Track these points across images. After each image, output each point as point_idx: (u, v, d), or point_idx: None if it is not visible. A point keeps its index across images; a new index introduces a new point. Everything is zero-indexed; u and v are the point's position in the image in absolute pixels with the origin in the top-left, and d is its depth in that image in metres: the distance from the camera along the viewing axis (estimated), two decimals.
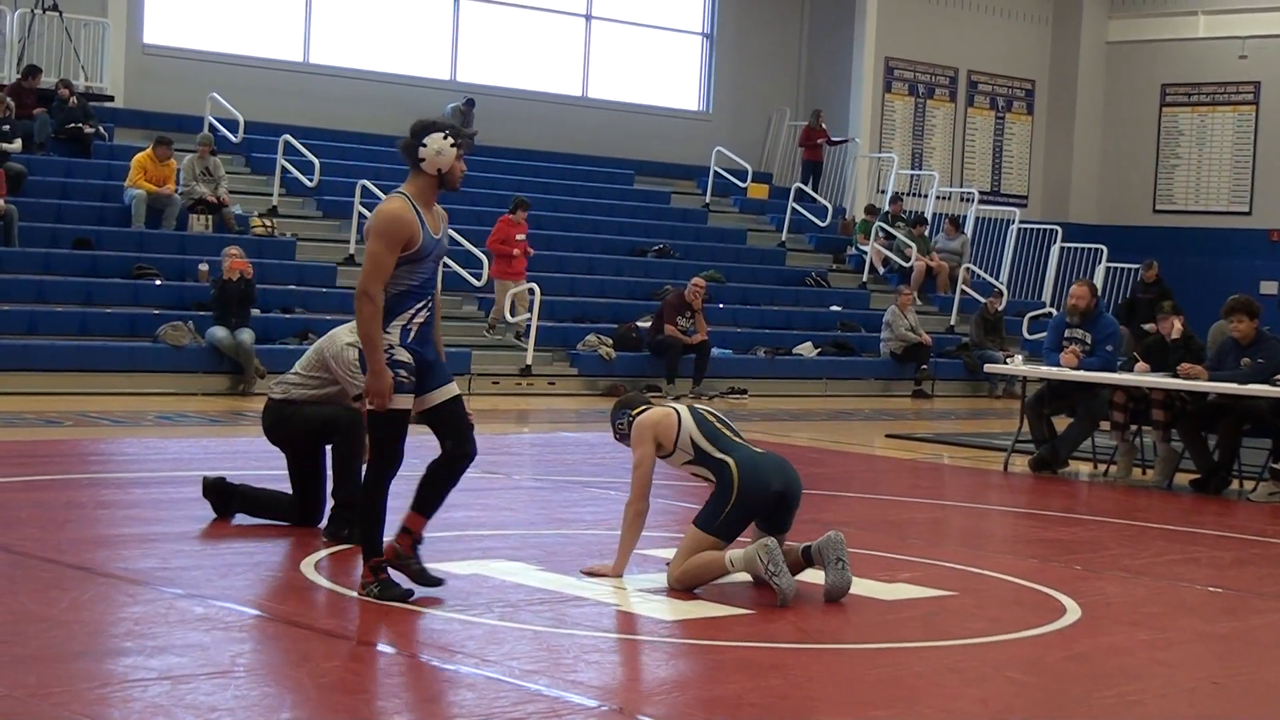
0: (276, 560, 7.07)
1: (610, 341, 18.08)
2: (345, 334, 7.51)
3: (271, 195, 18.87)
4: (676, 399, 17.07)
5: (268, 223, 18.05)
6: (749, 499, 6.46)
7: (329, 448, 7.56)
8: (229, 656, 5.21)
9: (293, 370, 7.72)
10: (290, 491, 7.74)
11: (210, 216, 17.60)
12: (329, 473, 7.60)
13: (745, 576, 6.59)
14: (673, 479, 6.66)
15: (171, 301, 16.00)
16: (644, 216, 22.08)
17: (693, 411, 6.76)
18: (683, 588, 6.50)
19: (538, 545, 7.64)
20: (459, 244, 17.88)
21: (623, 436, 6.85)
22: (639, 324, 18.58)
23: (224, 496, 7.82)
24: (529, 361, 17.44)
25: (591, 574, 6.81)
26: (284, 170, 18.89)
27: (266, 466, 7.83)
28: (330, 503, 7.52)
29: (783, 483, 6.48)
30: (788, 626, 6.05)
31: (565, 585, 6.60)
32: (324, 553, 7.06)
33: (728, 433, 6.68)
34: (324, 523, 7.53)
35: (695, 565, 6.50)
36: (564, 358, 18.02)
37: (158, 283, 16.13)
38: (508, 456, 11.73)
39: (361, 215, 18.25)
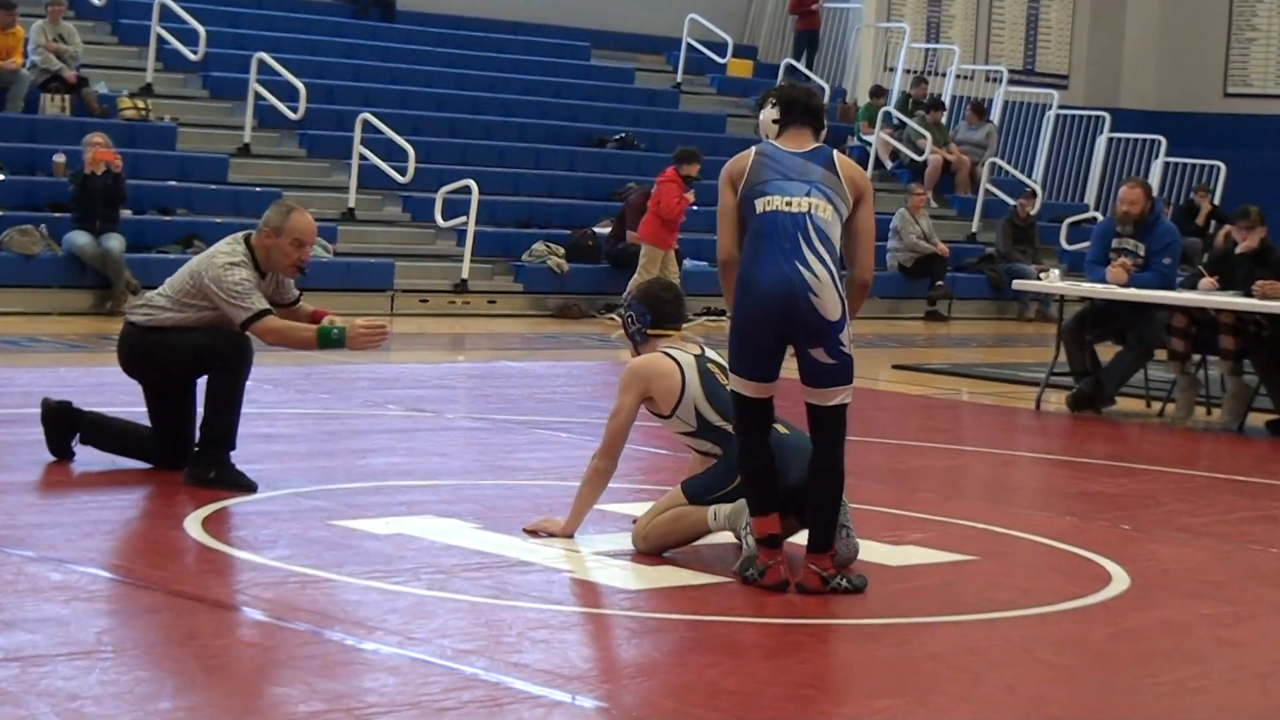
0: (151, 515, 7.04)
1: (562, 251, 18.04)
2: (225, 251, 7.45)
3: (145, 70, 18.68)
4: None
5: (140, 104, 17.88)
6: None
7: (202, 378, 7.55)
8: (94, 633, 5.19)
9: (158, 292, 7.66)
10: (151, 424, 7.73)
11: (67, 96, 17.41)
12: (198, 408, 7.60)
13: (730, 536, 6.60)
14: (657, 422, 6.67)
15: (19, 200, 15.86)
16: (602, 99, 21.99)
17: (700, 368, 6.62)
18: (651, 549, 6.51)
19: (474, 499, 7.64)
20: (380, 132, 17.78)
21: (632, 338, 6.80)
22: (596, 229, 18.53)
23: (67, 425, 7.80)
24: (464, 275, 17.40)
25: (535, 532, 6.81)
26: (160, 40, 18.70)
27: (139, 402, 7.79)
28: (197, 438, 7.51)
29: (801, 476, 6.25)
30: (776, 599, 6.06)
31: (507, 547, 6.60)
32: (213, 506, 7.03)
33: None
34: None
35: (669, 521, 6.50)
36: (506, 270, 17.99)
37: (1, 177, 15.98)
38: (438, 390, 11.71)
39: (258, 96, 18.12)
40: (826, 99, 23.36)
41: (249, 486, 7.42)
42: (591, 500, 6.75)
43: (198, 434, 7.57)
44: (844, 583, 6.15)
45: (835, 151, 6.34)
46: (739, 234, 6.27)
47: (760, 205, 6.17)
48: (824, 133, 6.47)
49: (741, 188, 6.25)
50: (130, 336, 7.67)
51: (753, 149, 6.34)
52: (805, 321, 6.06)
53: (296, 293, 7.82)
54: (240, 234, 7.62)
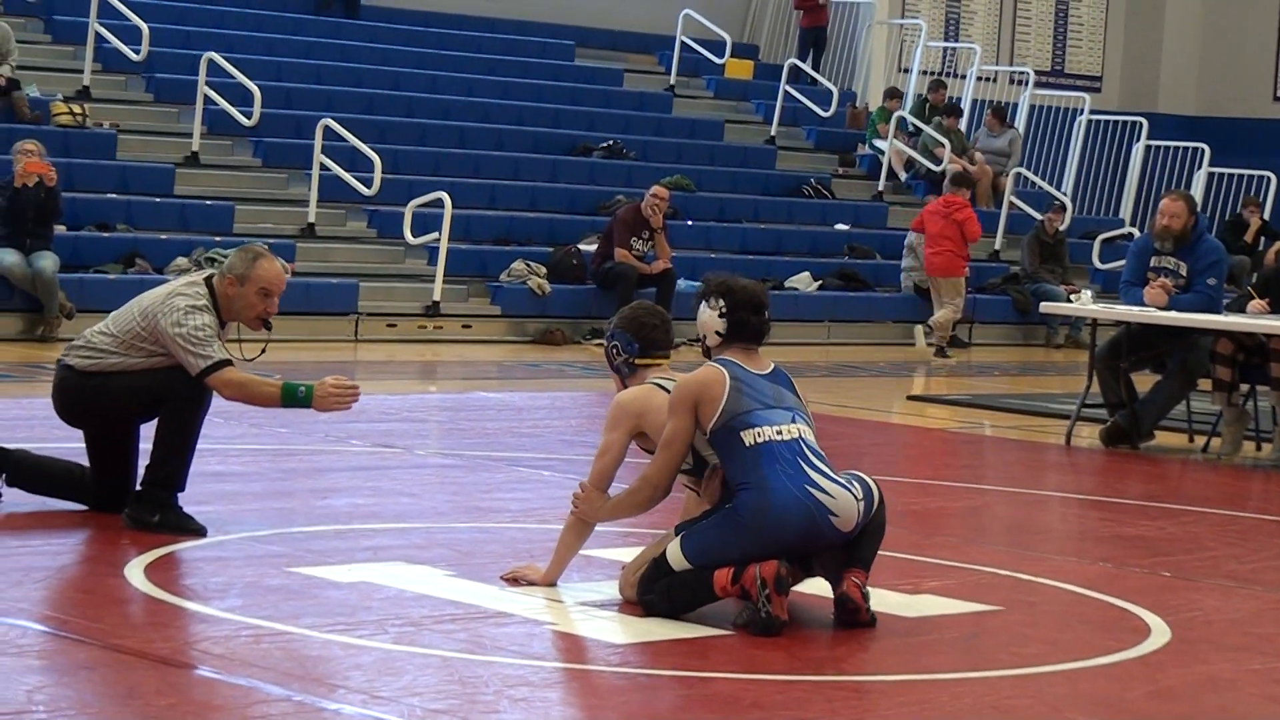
0: (89, 561, 7.03)
1: (543, 270, 18.06)
2: (185, 293, 7.43)
3: (83, 73, 18.70)
4: None
5: (77, 109, 17.90)
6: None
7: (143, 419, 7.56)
8: (24, 691, 5.19)
9: (99, 330, 7.63)
10: (87, 464, 7.72)
11: None
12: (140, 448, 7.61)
13: None
14: (633, 454, 6.68)
15: None
16: (588, 103, 22.04)
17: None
18: (639, 598, 6.51)
19: (447, 543, 7.64)
20: (343, 140, 17.81)
21: (618, 370, 6.85)
22: (581, 247, 18.56)
23: None
24: (436, 297, 17.42)
25: (515, 580, 6.81)
26: (99, 38, 18.72)
27: (75, 438, 7.79)
28: (140, 479, 7.52)
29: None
30: (779, 653, 6.07)
31: (483, 597, 6.60)
32: (157, 552, 7.03)
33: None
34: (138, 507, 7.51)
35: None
36: (482, 291, 18.00)
37: None
38: (407, 423, 11.71)
39: (208, 100, 18.15)
40: (835, 103, 23.47)
41: (198, 531, 7.42)
42: (575, 546, 6.76)
43: (141, 472, 7.57)
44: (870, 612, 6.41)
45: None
46: (677, 464, 6.53)
47: (750, 437, 6.42)
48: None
49: (718, 417, 6.43)
50: (68, 382, 7.63)
51: (721, 370, 6.51)
52: (827, 542, 6.43)
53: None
54: (200, 275, 7.64)
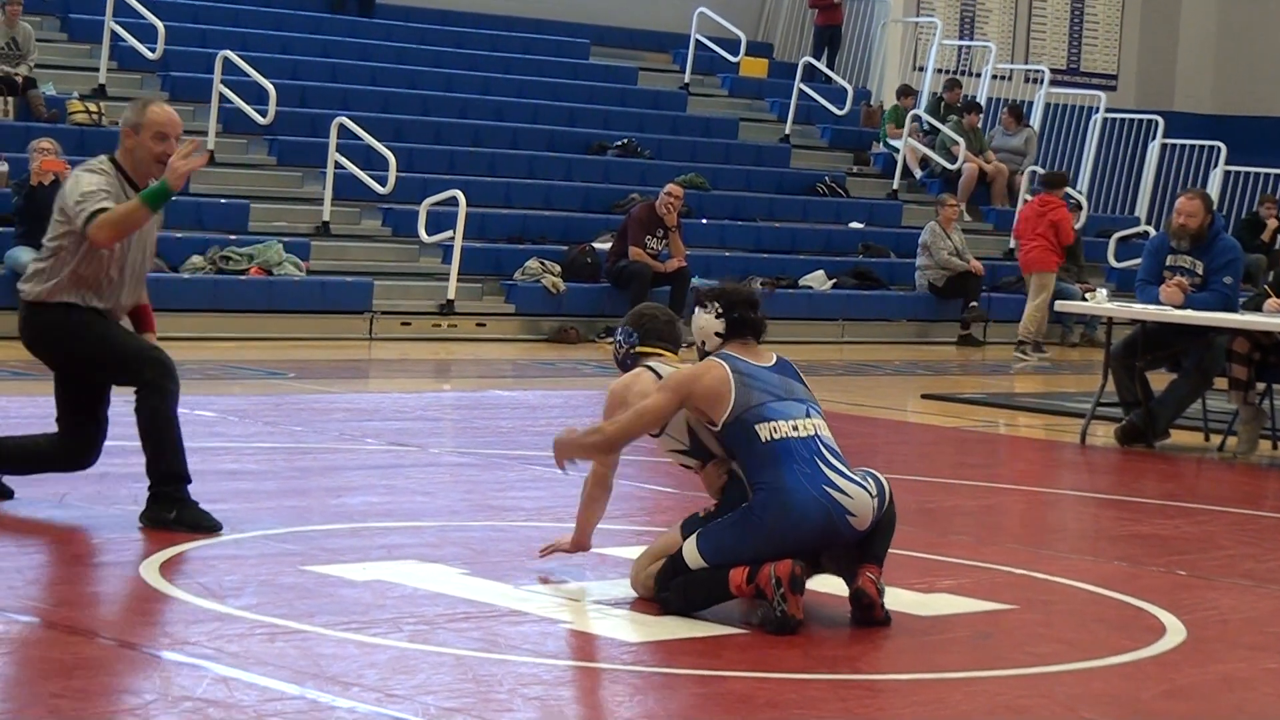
0: (103, 559, 7.03)
1: (558, 269, 18.07)
2: (85, 168, 7.57)
3: (98, 70, 18.73)
4: None
5: (92, 107, 17.93)
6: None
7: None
8: (41, 690, 5.19)
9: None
10: (57, 421, 7.73)
11: (11, 99, 17.45)
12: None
13: None
14: (648, 453, 6.68)
15: None
16: (603, 101, 22.04)
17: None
18: (649, 595, 6.52)
19: (461, 542, 7.64)
20: (358, 138, 17.82)
21: (621, 364, 6.87)
22: (596, 245, 18.56)
23: None
24: (450, 295, 17.42)
25: (551, 550, 7.00)
26: (115, 37, 18.74)
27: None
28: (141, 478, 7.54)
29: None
30: (793, 651, 6.07)
31: (497, 596, 6.60)
32: (171, 550, 7.04)
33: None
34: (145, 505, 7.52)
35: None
36: (497, 290, 18.01)
37: None
38: (421, 422, 11.72)
39: (224, 98, 18.16)
40: (849, 102, 23.46)
41: (214, 527, 7.42)
42: (593, 507, 6.87)
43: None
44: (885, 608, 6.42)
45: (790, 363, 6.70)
46: (635, 433, 6.55)
47: (765, 432, 6.40)
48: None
49: (729, 412, 6.41)
50: (22, 315, 7.69)
51: (721, 364, 6.49)
52: (844, 540, 6.43)
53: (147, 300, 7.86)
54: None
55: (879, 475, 6.53)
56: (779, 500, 6.32)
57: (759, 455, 6.38)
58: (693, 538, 6.43)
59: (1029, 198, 22.51)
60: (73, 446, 7.72)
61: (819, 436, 6.45)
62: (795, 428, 6.41)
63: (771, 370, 6.54)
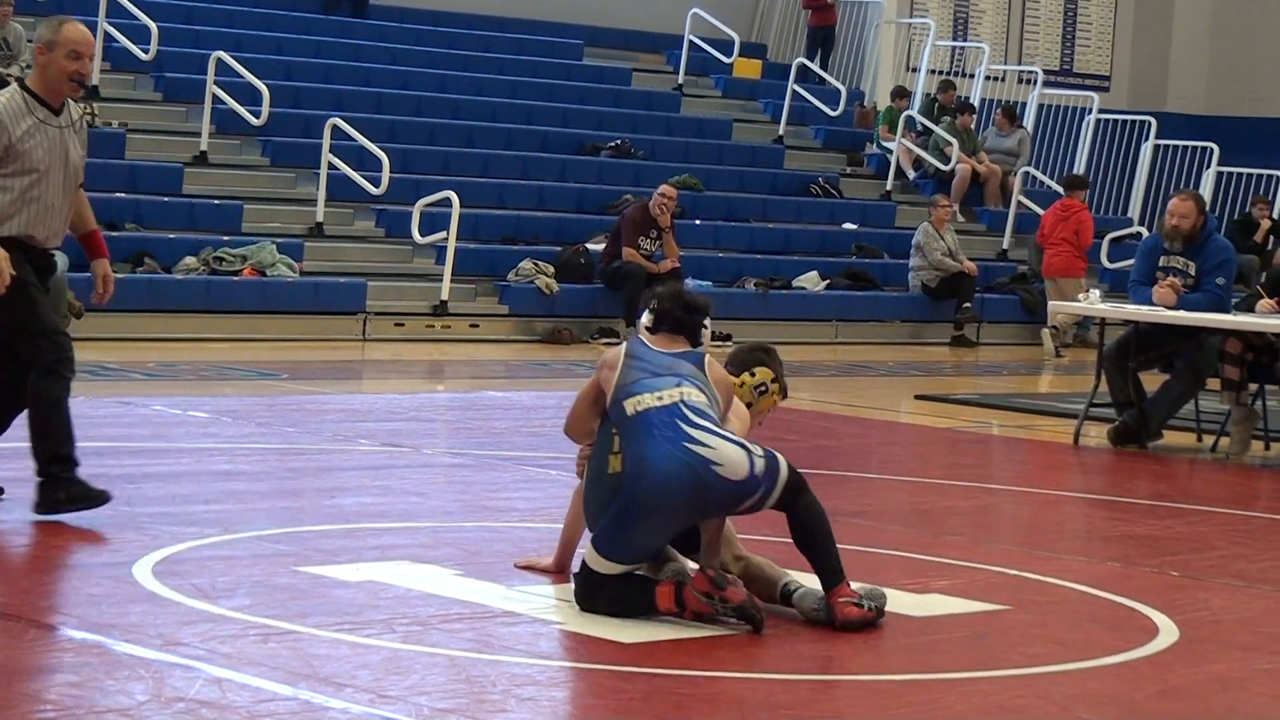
0: (95, 559, 7.02)
1: (551, 270, 18.07)
2: None
3: (91, 72, 18.69)
4: None
5: (86, 108, 17.91)
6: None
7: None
8: (33, 690, 5.18)
9: None
10: None
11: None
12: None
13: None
14: None
15: None
16: (596, 102, 22.03)
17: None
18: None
19: (454, 543, 7.64)
20: (351, 139, 17.82)
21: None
22: (589, 246, 18.56)
23: None
24: (444, 296, 17.41)
25: (529, 567, 6.98)
26: (108, 37, 18.73)
27: (83, 437, 7.78)
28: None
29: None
30: (785, 652, 6.07)
31: (490, 596, 6.60)
32: (164, 551, 7.03)
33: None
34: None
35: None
36: (490, 291, 18.00)
37: None
38: (415, 423, 11.72)
39: (217, 99, 18.15)
40: (843, 103, 23.45)
41: (100, 497, 7.46)
42: (573, 527, 6.84)
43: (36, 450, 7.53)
44: (871, 605, 6.35)
45: (708, 359, 6.60)
46: (593, 419, 6.60)
47: (630, 407, 6.39)
48: (700, 346, 6.67)
49: (611, 394, 6.45)
50: None
51: (621, 348, 6.57)
52: (720, 498, 6.30)
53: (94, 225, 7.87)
54: None
55: (778, 454, 6.38)
56: (641, 469, 6.27)
57: (627, 431, 6.37)
58: (590, 545, 6.44)
59: (1022, 199, 22.57)
60: None
61: (683, 401, 6.36)
62: (659, 398, 6.36)
63: (668, 355, 6.52)
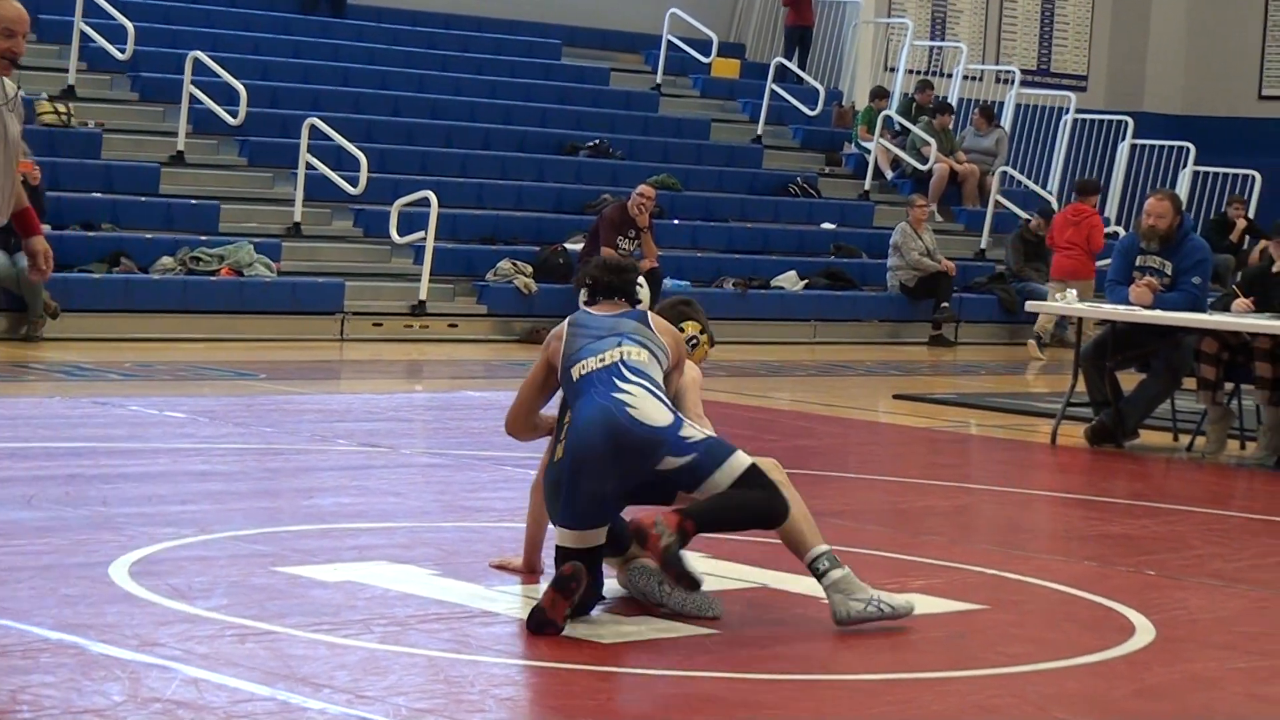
0: (70, 560, 7.01)
1: (530, 270, 18.06)
2: None
3: (67, 71, 18.67)
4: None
5: (62, 108, 17.88)
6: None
7: None
8: (7, 692, 5.17)
9: None
10: None
11: None
12: None
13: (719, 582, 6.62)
14: None
15: None
16: (575, 102, 22.03)
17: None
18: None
19: (432, 543, 7.63)
20: (329, 139, 17.79)
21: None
22: (568, 246, 18.55)
23: None
24: (422, 296, 17.40)
25: (502, 566, 7.00)
26: (84, 37, 18.69)
27: (58, 437, 7.77)
28: None
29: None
30: (765, 652, 6.07)
31: (469, 597, 6.60)
32: (141, 551, 7.02)
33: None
34: None
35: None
36: (468, 291, 17.99)
37: None
38: (393, 423, 11.70)
39: (194, 99, 18.13)
40: (821, 102, 23.47)
41: None
42: (536, 524, 6.85)
43: None
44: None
45: (651, 313, 6.65)
46: (539, 403, 6.70)
47: (576, 372, 6.44)
48: (640, 305, 6.73)
49: (560, 365, 6.52)
50: None
51: (565, 321, 6.63)
52: (631, 440, 6.22)
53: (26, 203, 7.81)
54: None
55: (740, 449, 6.31)
56: (573, 425, 6.32)
57: (573, 396, 6.43)
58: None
59: (1000, 199, 22.60)
60: None
61: (622, 360, 6.39)
62: (601, 360, 6.40)
63: (610, 317, 6.56)
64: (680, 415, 6.34)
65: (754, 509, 6.28)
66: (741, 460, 6.28)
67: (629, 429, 6.22)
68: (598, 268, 6.74)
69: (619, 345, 6.43)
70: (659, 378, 6.44)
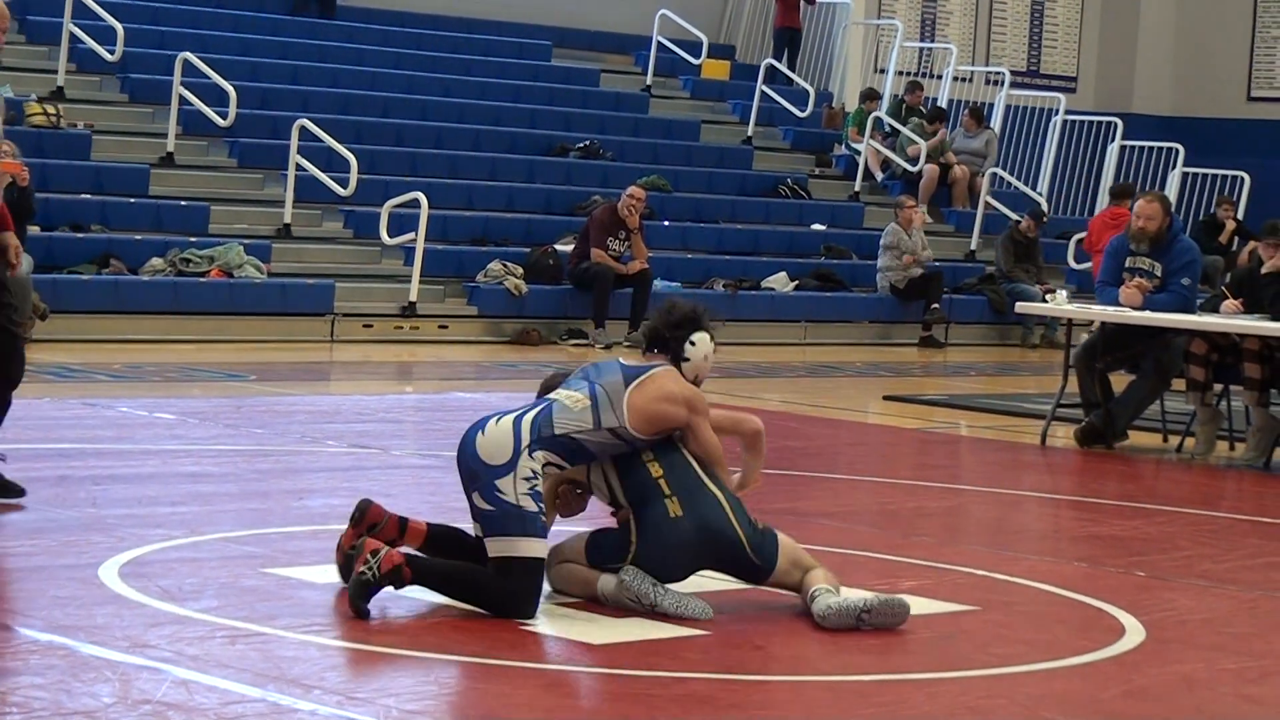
0: (59, 561, 7.00)
1: (520, 271, 18.05)
2: None
3: (56, 72, 18.65)
4: (607, 348, 17.09)
5: (51, 109, 17.85)
6: None
7: None
8: None
9: None
10: None
11: None
12: None
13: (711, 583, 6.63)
14: None
15: None
16: (564, 103, 22.02)
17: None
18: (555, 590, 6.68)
19: None
20: (319, 140, 17.78)
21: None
22: (558, 247, 18.55)
23: None
24: (412, 297, 17.39)
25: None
26: (73, 38, 18.67)
27: (48, 439, 7.77)
28: None
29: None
30: (754, 652, 6.07)
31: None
32: (130, 553, 7.01)
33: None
34: None
35: (565, 574, 6.63)
36: (459, 292, 17.98)
37: None
38: (383, 424, 11.70)
39: (183, 100, 18.12)
40: (811, 104, 23.49)
41: (17, 490, 7.49)
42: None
43: None
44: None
45: (655, 373, 6.59)
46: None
47: None
48: (685, 360, 6.72)
49: None
50: None
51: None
52: (463, 460, 6.43)
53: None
54: None
55: (533, 525, 6.36)
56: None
57: None
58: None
59: (989, 200, 22.62)
60: None
61: (554, 401, 6.49)
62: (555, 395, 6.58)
63: (616, 363, 6.65)
64: (513, 469, 6.32)
65: (483, 598, 6.32)
66: (516, 547, 6.28)
67: (462, 450, 6.44)
68: (658, 317, 6.78)
69: (567, 389, 6.55)
70: (579, 426, 6.42)
